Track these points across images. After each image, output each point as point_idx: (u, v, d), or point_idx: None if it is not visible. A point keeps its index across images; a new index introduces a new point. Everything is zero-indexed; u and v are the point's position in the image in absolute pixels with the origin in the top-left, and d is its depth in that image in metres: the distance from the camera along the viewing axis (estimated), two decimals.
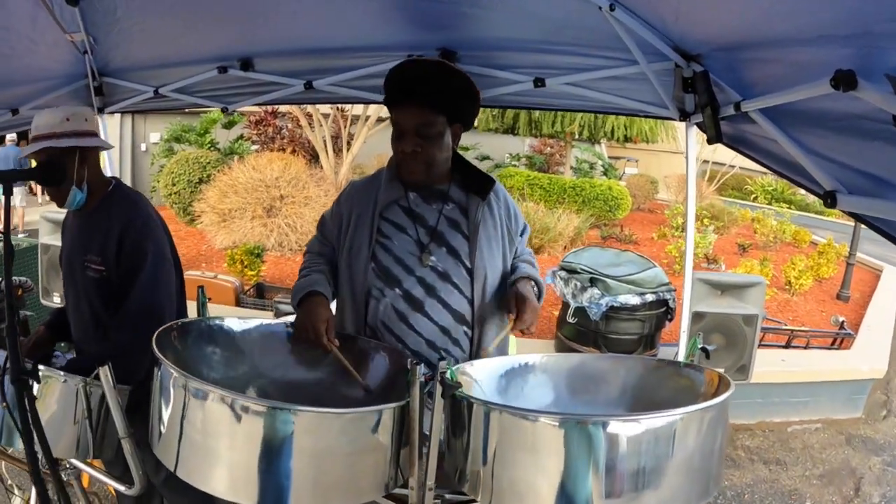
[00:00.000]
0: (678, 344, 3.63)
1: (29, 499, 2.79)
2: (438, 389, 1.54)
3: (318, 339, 1.93)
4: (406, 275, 2.06)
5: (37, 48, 3.12)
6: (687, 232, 3.04)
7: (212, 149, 13.72)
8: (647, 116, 2.92)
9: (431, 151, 2.01)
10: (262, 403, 1.51)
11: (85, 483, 2.15)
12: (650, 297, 5.05)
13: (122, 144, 16.02)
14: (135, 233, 2.34)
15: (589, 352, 4.91)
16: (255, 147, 14.86)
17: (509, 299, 2.06)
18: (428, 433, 1.59)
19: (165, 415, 1.59)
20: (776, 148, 2.03)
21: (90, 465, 2.17)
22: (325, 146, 13.04)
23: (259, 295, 7.27)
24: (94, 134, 2.39)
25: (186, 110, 14.77)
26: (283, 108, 14.88)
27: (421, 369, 1.56)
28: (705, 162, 19.00)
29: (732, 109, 2.09)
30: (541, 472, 1.46)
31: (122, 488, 2.09)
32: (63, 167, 2.23)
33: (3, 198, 1.75)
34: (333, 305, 2.14)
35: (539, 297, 2.14)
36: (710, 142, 2.36)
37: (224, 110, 3.76)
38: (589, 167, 19.57)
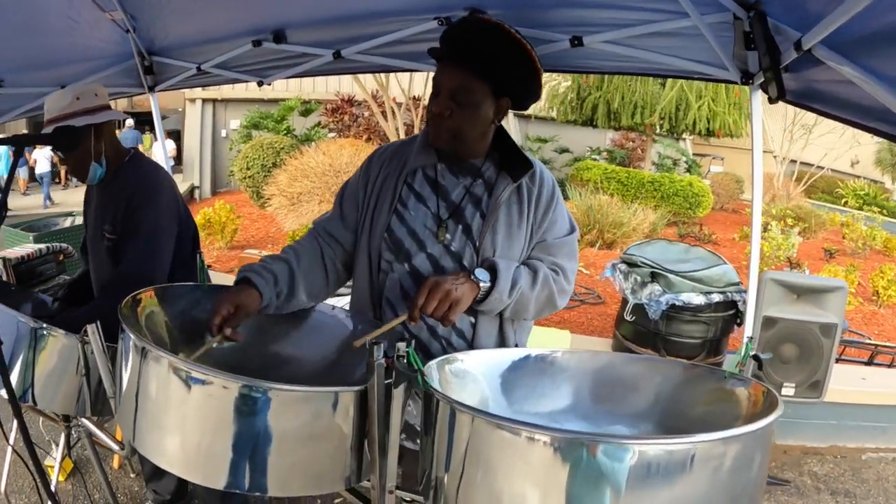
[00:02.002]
0: None
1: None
2: (393, 375, 1.32)
3: (210, 318, 1.65)
4: (417, 250, 1.88)
5: (77, 27, 3.21)
6: (754, 212, 2.67)
7: (287, 135, 13.96)
8: (703, 79, 2.59)
9: (462, 120, 1.79)
10: (210, 374, 1.33)
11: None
12: (717, 298, 4.56)
13: (204, 130, 16.69)
14: (137, 200, 2.32)
15: (646, 354, 4.54)
16: (331, 134, 15.04)
17: None
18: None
19: (124, 381, 1.48)
20: (851, 92, 1.72)
21: (92, 421, 2.19)
22: (398, 134, 13.03)
23: None
24: (106, 107, 2.39)
25: (266, 98, 15.30)
26: (359, 97, 15.06)
27: (380, 350, 1.34)
28: (793, 162, 18.13)
29: (794, 52, 1.79)
30: (517, 495, 1.19)
31: (117, 448, 2.15)
32: (77, 138, 2.20)
33: (12, 159, 1.79)
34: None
35: (482, 300, 1.79)
36: (771, 101, 2.04)
37: (260, 83, 3.76)
38: (672, 163, 18.83)
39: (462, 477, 1.25)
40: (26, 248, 5.06)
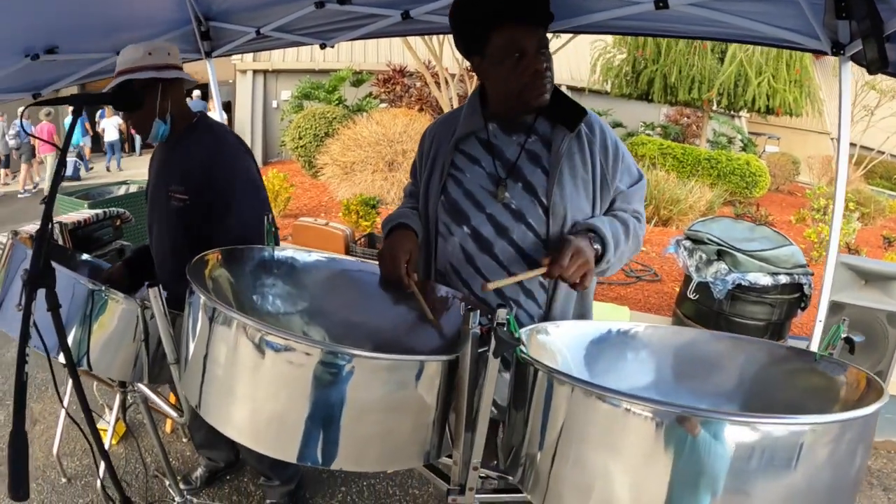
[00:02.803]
0: (809, 338, 3.20)
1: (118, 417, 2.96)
2: (491, 344, 1.25)
3: (395, 270, 1.78)
4: (476, 211, 1.88)
5: None
6: (837, 191, 2.54)
7: (339, 105, 13.94)
8: (792, 48, 2.46)
9: (552, 70, 1.80)
10: (292, 339, 1.27)
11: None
12: (783, 279, 4.43)
13: (255, 101, 16.68)
14: (223, 164, 2.29)
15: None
16: (382, 105, 14.93)
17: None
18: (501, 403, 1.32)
19: (191, 345, 1.43)
20: None
21: (147, 386, 2.17)
22: (451, 105, 12.91)
23: (370, 245, 7.17)
24: (177, 67, 2.37)
25: (317, 69, 15.28)
26: (411, 67, 14.92)
27: (476, 317, 1.28)
28: (852, 145, 17.42)
29: None
30: (617, 475, 1.14)
31: (174, 415, 2.13)
32: (140, 96, 2.24)
33: (71, 118, 1.70)
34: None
35: (600, 258, 1.76)
36: (871, 71, 1.90)
37: (322, 46, 3.69)
38: (727, 141, 18.30)
39: (556, 453, 1.20)
40: (83, 213, 5.07)
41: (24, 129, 13.85)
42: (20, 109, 11.81)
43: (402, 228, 1.91)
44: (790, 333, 4.86)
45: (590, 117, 1.88)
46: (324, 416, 1.26)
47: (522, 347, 1.27)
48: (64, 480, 3.23)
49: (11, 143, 14.53)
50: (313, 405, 1.26)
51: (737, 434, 1.07)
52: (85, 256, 2.83)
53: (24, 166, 14.09)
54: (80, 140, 15.97)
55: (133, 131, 2.46)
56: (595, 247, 1.72)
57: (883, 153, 17.23)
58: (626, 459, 1.13)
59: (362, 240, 7.33)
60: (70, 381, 1.74)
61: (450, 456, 1.40)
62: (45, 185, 13.10)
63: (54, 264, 1.54)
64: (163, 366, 1.94)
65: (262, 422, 1.31)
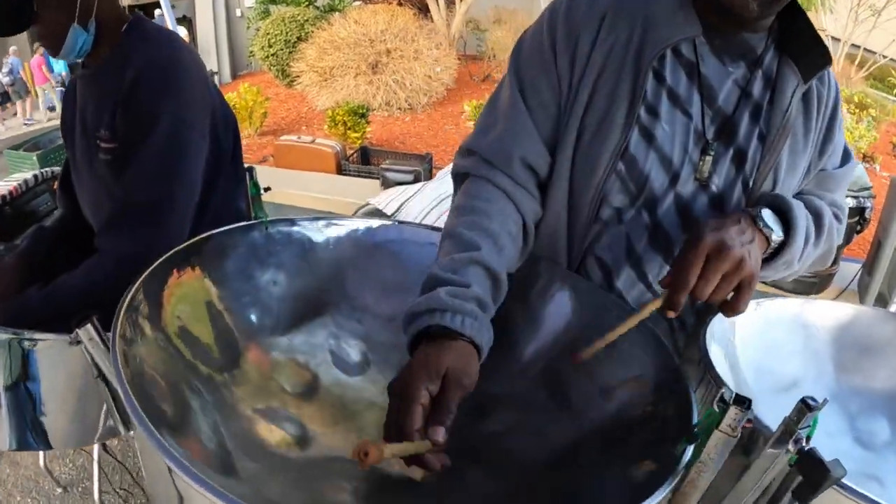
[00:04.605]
0: (860, 260, 2.96)
1: None
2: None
3: (403, 418, 0.80)
4: (666, 188, 1.13)
5: None
6: None
7: (309, 6, 13.12)
8: None
9: None
10: None
11: None
12: (850, 202, 3.86)
13: (216, 13, 15.78)
14: (146, 85, 1.47)
15: None
16: (357, 2, 14.00)
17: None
18: None
19: None
20: None
21: None
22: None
23: (364, 160, 6.67)
24: None
25: None
26: None
27: (738, 415, 0.65)
28: (856, 47, 16.66)
29: None
30: None
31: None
32: None
33: None
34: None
35: (777, 253, 1.07)
36: None
37: None
38: None
39: None
40: (9, 182, 4.02)
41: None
42: (11, 48, 11.85)
43: (449, 338, 0.89)
44: (843, 254, 4.34)
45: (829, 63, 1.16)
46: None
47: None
48: (60, 490, 2.89)
49: (5, 80, 14.11)
50: None
51: None
52: None
53: (18, 103, 14.03)
54: (64, 69, 14.89)
55: (40, 43, 1.58)
56: (772, 233, 1.03)
57: (886, 57, 16.50)
58: None
59: (354, 155, 6.73)
60: None
61: None
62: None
63: None
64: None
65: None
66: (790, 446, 0.59)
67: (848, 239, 4.11)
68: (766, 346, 1.25)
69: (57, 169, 3.97)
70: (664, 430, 0.77)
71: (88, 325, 0.94)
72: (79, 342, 0.99)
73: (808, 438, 0.61)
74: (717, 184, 1.13)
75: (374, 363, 1.09)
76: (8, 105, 14.67)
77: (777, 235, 1.04)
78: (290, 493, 0.84)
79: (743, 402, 0.61)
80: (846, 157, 1.27)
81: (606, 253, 1.17)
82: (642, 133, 1.09)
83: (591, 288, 1.12)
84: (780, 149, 1.12)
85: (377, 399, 1.02)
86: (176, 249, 0.97)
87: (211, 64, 15.77)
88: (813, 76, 1.10)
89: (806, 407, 0.58)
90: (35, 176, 3.89)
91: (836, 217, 1.24)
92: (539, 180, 1.15)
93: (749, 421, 0.62)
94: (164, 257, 0.94)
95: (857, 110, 11.43)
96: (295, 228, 1.14)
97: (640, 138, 1.10)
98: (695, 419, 0.75)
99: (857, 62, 16.93)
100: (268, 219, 1.11)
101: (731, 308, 0.97)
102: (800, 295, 3.66)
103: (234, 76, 15.42)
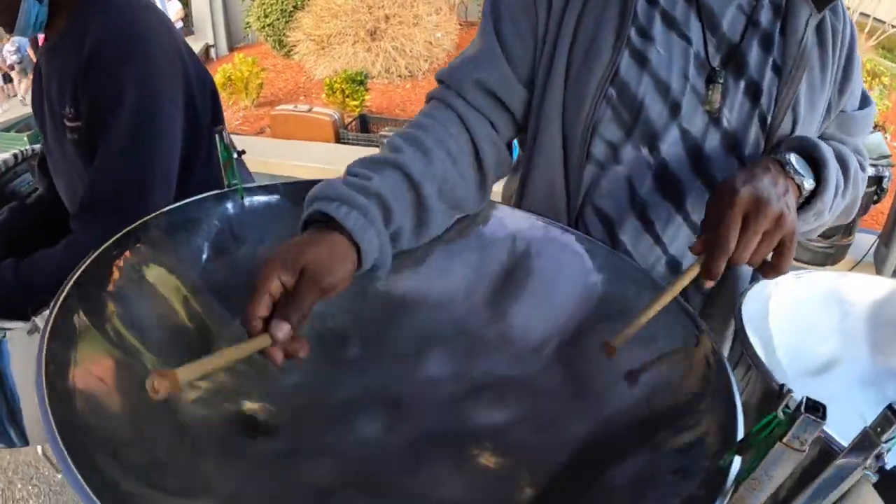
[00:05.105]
0: (876, 231, 2.98)
1: None
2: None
3: (250, 304, 0.74)
4: (668, 120, 1.04)
5: None
6: None
7: None
8: None
9: None
10: None
11: None
12: (869, 171, 3.65)
13: None
14: (106, 54, 1.34)
15: None
16: None
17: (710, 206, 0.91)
18: None
19: None
20: None
21: None
22: None
23: (363, 128, 6.61)
24: None
25: None
26: None
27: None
28: (865, 16, 16.60)
29: None
30: None
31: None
32: None
33: None
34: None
35: (809, 201, 1.00)
36: None
37: None
38: None
39: None
40: None
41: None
42: None
43: (328, 230, 0.83)
44: (860, 225, 4.25)
45: None
46: None
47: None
48: (59, 476, 2.77)
49: (13, 57, 14.03)
50: None
51: None
52: None
53: (24, 82, 13.84)
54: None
55: None
56: (804, 180, 0.95)
57: (894, 27, 16.45)
58: None
59: (353, 123, 6.63)
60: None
61: None
62: None
63: None
64: None
65: None
66: (870, 461, 0.47)
67: (865, 208, 3.97)
68: (801, 323, 1.17)
69: (33, 147, 3.89)
70: (703, 433, 0.66)
71: (46, 312, 0.83)
72: (38, 330, 0.89)
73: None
74: (729, 119, 1.05)
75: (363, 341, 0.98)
76: (9, 85, 14.73)
77: (809, 183, 0.96)
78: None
79: (817, 410, 0.48)
80: (865, 101, 1.19)
81: (606, 200, 1.10)
82: (634, 56, 1.03)
83: (608, 252, 1.03)
84: (798, 81, 1.04)
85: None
86: (127, 230, 0.84)
87: (207, 37, 15.65)
88: (826, 5, 1.04)
89: (893, 414, 0.46)
90: (15, 155, 3.76)
91: (861, 165, 1.18)
92: (504, 108, 1.09)
93: (820, 432, 0.49)
94: (112, 239, 0.81)
95: (869, 78, 11.30)
96: (274, 197, 1.01)
97: (632, 61, 1.03)
98: (739, 409, 0.64)
99: (866, 30, 16.93)
100: (242, 185, 0.97)
101: (774, 269, 0.89)
102: (815, 266, 3.56)
103: (231, 48, 15.22)
